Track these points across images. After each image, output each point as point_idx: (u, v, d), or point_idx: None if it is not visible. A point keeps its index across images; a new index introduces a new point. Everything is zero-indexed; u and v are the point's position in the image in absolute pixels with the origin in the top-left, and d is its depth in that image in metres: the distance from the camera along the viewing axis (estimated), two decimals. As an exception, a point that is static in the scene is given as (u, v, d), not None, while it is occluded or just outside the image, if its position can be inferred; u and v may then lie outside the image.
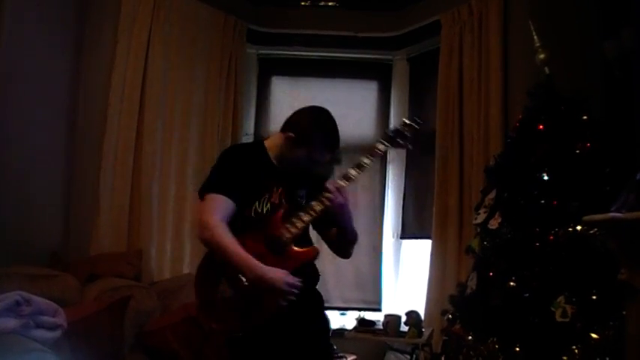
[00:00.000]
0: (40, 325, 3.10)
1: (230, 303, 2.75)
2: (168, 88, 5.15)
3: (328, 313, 4.73)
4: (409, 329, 4.71)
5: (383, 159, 5.93)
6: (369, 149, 2.92)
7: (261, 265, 2.66)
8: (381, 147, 2.92)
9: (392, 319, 4.88)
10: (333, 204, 2.78)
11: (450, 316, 3.80)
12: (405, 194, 5.84)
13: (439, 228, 5.05)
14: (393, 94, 6.05)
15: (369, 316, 5.43)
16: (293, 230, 2.78)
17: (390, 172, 5.93)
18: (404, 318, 4.78)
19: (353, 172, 2.85)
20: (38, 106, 4.42)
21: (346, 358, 4.94)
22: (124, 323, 3.84)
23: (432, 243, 5.12)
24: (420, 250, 5.56)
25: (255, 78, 6.11)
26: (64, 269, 4.16)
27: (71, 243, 4.68)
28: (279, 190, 2.88)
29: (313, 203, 2.80)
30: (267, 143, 3.01)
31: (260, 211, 2.84)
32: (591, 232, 3.14)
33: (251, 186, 2.84)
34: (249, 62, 6.00)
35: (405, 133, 2.98)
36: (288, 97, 5.98)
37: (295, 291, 2.67)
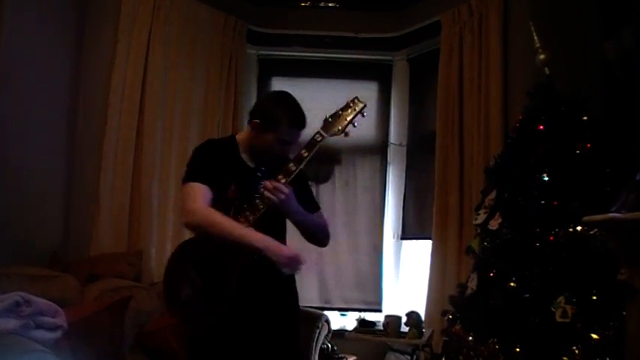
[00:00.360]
0: (40, 326, 3.10)
1: (188, 303, 2.85)
2: (169, 88, 5.15)
3: (329, 313, 4.77)
4: (409, 330, 4.72)
5: (382, 159, 5.93)
6: (307, 142, 2.91)
7: (276, 243, 2.78)
8: (317, 137, 2.90)
9: (392, 320, 4.88)
10: (272, 202, 2.80)
11: (451, 316, 3.80)
12: (405, 195, 5.84)
13: (439, 228, 5.05)
14: (394, 95, 6.06)
15: (370, 316, 5.43)
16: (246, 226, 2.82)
17: (391, 172, 5.94)
18: (404, 319, 4.78)
19: (292, 166, 2.85)
20: (38, 105, 4.42)
21: (346, 358, 4.94)
22: (124, 324, 3.84)
23: (433, 243, 5.12)
24: (421, 251, 5.57)
25: (255, 78, 6.11)
26: (64, 270, 4.16)
27: (71, 243, 4.68)
28: (239, 188, 2.93)
29: (258, 202, 2.82)
30: (238, 137, 3.08)
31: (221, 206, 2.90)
32: (591, 232, 3.14)
33: (217, 180, 2.93)
34: (249, 63, 6.00)
35: (345, 118, 2.97)
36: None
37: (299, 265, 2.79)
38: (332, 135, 2.94)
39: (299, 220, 2.99)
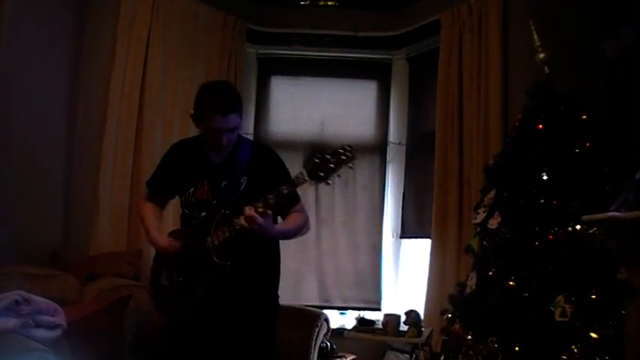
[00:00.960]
0: (39, 325, 3.10)
1: (166, 292, 3.08)
2: (168, 88, 5.15)
3: (328, 312, 4.77)
4: (409, 329, 4.71)
5: (382, 158, 5.93)
6: (291, 180, 2.87)
7: (155, 234, 3.15)
8: (299, 178, 2.82)
9: (391, 319, 4.88)
10: (248, 229, 2.85)
11: (450, 315, 3.80)
12: (404, 194, 5.84)
13: (439, 227, 5.05)
14: (393, 94, 6.05)
15: (369, 315, 5.43)
16: (216, 242, 2.93)
17: (390, 171, 5.93)
18: (403, 317, 4.78)
19: (271, 198, 2.82)
20: (38, 105, 4.42)
21: (346, 357, 4.94)
22: (124, 322, 3.84)
23: (432, 242, 5.12)
24: (420, 250, 5.56)
25: (254, 77, 6.10)
26: (64, 269, 4.16)
27: (71, 242, 4.68)
28: (204, 184, 3.04)
29: (236, 221, 2.87)
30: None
31: (189, 205, 3.11)
32: (591, 231, 3.14)
33: (180, 181, 3.12)
34: (248, 62, 5.99)
35: (330, 164, 2.79)
36: (288, 96, 5.98)
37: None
38: (314, 182, 2.81)
39: (272, 239, 3.08)
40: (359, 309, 5.66)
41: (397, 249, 5.82)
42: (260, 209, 2.81)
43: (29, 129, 4.34)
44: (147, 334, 4.03)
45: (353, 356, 5.01)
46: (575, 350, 3.00)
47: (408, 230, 5.77)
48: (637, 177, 2.64)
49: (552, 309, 3.13)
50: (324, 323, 4.66)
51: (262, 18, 5.99)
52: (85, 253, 4.63)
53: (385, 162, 5.95)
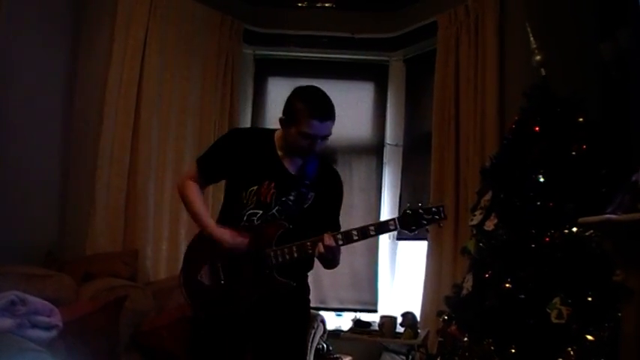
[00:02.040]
0: (35, 325, 3.10)
1: (205, 291, 2.92)
2: (165, 88, 5.14)
3: (324, 314, 4.77)
4: (405, 330, 4.73)
5: (379, 159, 5.94)
6: (380, 223, 2.89)
7: (213, 224, 2.91)
8: (391, 225, 2.85)
9: (388, 320, 4.89)
10: (319, 255, 2.81)
11: (446, 317, 3.80)
12: (401, 195, 5.84)
13: (435, 229, 5.03)
14: (390, 95, 6.06)
15: (365, 317, 5.44)
16: (280, 260, 2.83)
17: (387, 172, 5.94)
18: (400, 319, 4.79)
19: (355, 234, 2.82)
20: (34, 104, 4.41)
21: (342, 359, 4.94)
22: (120, 323, 3.84)
23: (428, 244, 5.12)
24: (416, 252, 5.57)
25: (251, 78, 6.12)
26: (60, 269, 4.15)
27: (67, 242, 4.67)
28: (271, 187, 2.90)
29: (308, 244, 2.81)
30: (276, 134, 3.01)
31: (245, 202, 2.91)
32: (587, 233, 3.15)
33: (241, 172, 2.94)
34: (245, 62, 6.00)
35: (423, 220, 2.84)
36: (285, 97, 5.90)
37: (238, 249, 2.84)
38: (404, 230, 2.86)
39: (330, 268, 2.98)
40: (355, 310, 5.66)
41: (393, 251, 5.83)
42: (340, 242, 2.80)
43: (26, 128, 4.33)
44: (143, 335, 4.03)
45: (349, 358, 5.01)
46: (572, 352, 3.00)
47: (404, 232, 5.76)
48: (633, 179, 2.64)
49: (548, 311, 3.14)
50: (321, 325, 4.64)
51: (259, 19, 5.99)
52: (81, 253, 4.62)
53: (382, 163, 5.96)
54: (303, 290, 3.04)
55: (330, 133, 2.90)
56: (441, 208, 2.87)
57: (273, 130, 3.04)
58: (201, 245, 2.98)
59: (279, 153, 2.97)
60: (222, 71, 5.58)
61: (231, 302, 2.87)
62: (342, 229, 2.92)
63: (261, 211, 2.89)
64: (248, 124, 5.98)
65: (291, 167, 2.96)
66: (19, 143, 4.28)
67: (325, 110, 2.85)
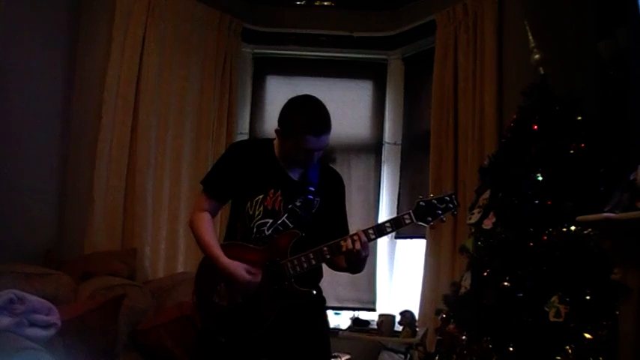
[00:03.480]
0: (33, 324, 3.10)
1: (225, 312, 2.80)
2: (163, 86, 5.14)
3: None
4: (403, 329, 4.72)
5: (377, 158, 5.94)
6: (395, 218, 2.87)
7: (227, 261, 2.76)
8: (406, 219, 2.83)
9: (386, 319, 4.88)
10: (353, 254, 2.76)
11: (444, 315, 3.80)
12: (399, 193, 5.84)
13: (433, 228, 5.05)
14: (388, 94, 6.06)
15: (364, 315, 5.43)
16: (298, 269, 2.77)
17: (385, 171, 5.94)
18: (398, 317, 4.79)
19: (372, 234, 2.80)
20: (32, 103, 4.41)
21: (340, 357, 4.94)
22: (118, 322, 3.84)
23: (427, 243, 5.12)
24: (415, 250, 5.57)
25: (250, 77, 6.11)
26: (58, 268, 4.16)
27: (65, 241, 4.67)
28: (277, 195, 2.85)
29: (325, 249, 2.77)
30: (275, 143, 2.96)
31: (252, 213, 2.83)
32: (585, 232, 3.15)
33: (245, 184, 2.86)
34: (244, 61, 5.99)
35: (437, 209, 2.85)
36: (283, 96, 5.80)
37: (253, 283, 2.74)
38: (419, 223, 2.84)
39: (359, 269, 2.93)
40: (353, 309, 5.66)
41: (392, 249, 5.83)
42: (372, 235, 2.79)
43: (24, 127, 4.33)
44: (141, 333, 4.03)
45: (347, 356, 5.02)
46: (570, 350, 3.01)
47: (402, 230, 5.76)
48: (631, 178, 2.64)
49: (547, 309, 3.14)
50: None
51: (258, 17, 5.99)
52: (80, 252, 4.62)
53: (380, 162, 5.96)
54: (321, 300, 3.01)
55: (326, 145, 2.85)
56: (454, 196, 2.89)
57: (272, 139, 2.99)
58: (210, 269, 2.87)
59: (281, 162, 2.92)
60: (220, 70, 5.58)
61: (253, 320, 2.78)
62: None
63: (270, 220, 2.82)
64: (247, 123, 5.99)
65: (293, 175, 2.91)
66: (17, 142, 4.28)
67: (320, 125, 2.79)
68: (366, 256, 2.80)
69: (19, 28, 4.27)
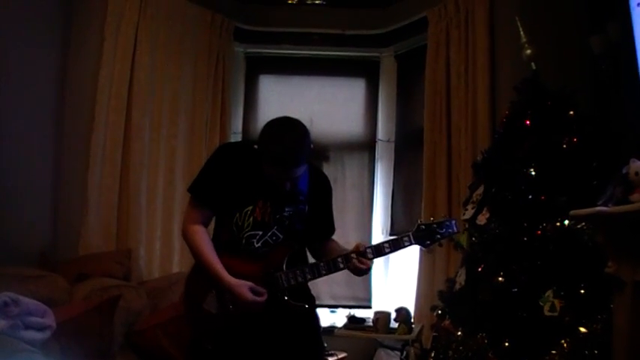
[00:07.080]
0: (28, 326, 3.09)
1: (213, 320, 2.80)
2: (156, 87, 5.14)
3: (318, 310, 4.75)
4: (399, 326, 4.73)
5: (371, 155, 5.94)
6: (394, 240, 2.91)
7: (231, 280, 2.72)
8: (405, 242, 2.89)
9: (382, 316, 4.89)
10: (354, 270, 2.82)
11: (440, 311, 3.80)
12: (393, 190, 5.85)
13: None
14: (381, 92, 6.06)
15: (359, 313, 5.43)
16: (292, 282, 2.79)
17: (379, 168, 5.94)
18: (394, 315, 4.79)
19: (370, 253, 2.83)
20: (25, 104, 4.40)
21: (337, 355, 4.94)
22: (114, 323, 3.84)
23: (421, 239, 5.11)
24: (409, 247, 5.55)
25: (242, 76, 6.10)
26: (53, 269, 4.14)
27: (60, 243, 4.66)
28: (267, 206, 2.81)
29: (321, 265, 2.81)
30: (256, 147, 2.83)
31: (240, 224, 2.80)
32: (579, 226, 3.16)
33: (234, 193, 2.81)
34: (236, 60, 5.99)
35: (437, 234, 2.90)
36: (276, 95, 5.99)
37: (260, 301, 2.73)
38: (418, 245, 2.91)
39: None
40: (349, 307, 5.66)
41: (387, 246, 5.82)
42: (370, 255, 2.83)
43: (17, 128, 4.32)
44: (137, 334, 4.02)
45: (344, 354, 5.02)
46: (565, 344, 3.01)
47: (397, 227, 5.77)
48: (624, 171, 2.65)
49: (541, 304, 3.15)
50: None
51: (250, 17, 5.99)
52: (74, 254, 4.61)
53: (374, 159, 5.96)
54: (314, 315, 3.01)
55: (301, 174, 2.77)
56: (454, 222, 2.94)
57: (252, 143, 2.93)
58: (199, 277, 2.86)
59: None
60: (213, 69, 5.58)
61: (241, 330, 2.78)
62: (336, 227, 2.92)
63: (260, 232, 2.80)
64: (240, 122, 5.99)
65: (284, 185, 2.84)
66: (10, 143, 4.26)
67: (290, 160, 2.67)
68: (367, 270, 2.85)
69: (11, 28, 4.25)
